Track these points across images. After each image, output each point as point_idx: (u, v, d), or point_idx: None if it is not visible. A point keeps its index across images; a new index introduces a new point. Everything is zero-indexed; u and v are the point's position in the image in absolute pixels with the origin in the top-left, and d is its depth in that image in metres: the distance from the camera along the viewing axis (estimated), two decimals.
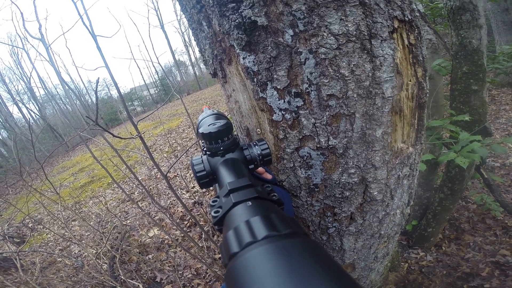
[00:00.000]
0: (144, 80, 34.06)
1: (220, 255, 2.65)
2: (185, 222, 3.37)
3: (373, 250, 0.84)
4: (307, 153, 0.63)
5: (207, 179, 0.53)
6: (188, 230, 3.23)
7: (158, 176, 5.06)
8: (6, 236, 2.41)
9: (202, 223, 3.06)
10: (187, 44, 30.94)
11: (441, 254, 2.10)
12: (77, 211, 2.83)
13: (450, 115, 1.74)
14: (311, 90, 0.56)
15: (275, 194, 0.40)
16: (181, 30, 29.82)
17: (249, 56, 0.59)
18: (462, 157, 1.28)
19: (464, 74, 1.76)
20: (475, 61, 1.71)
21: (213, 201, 0.40)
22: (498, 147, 1.44)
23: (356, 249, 0.81)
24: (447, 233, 2.26)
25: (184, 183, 4.22)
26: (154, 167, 5.38)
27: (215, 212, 0.37)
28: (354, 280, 0.20)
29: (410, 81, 0.61)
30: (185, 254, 2.81)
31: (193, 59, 31.86)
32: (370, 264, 0.91)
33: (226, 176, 0.48)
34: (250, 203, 0.34)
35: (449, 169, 1.89)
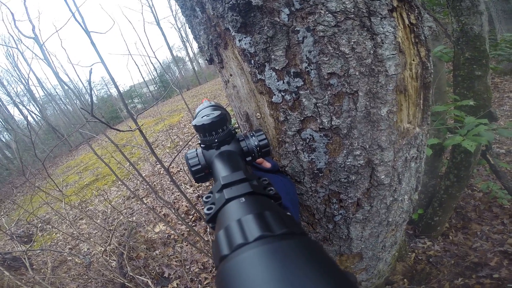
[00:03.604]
0: (143, 78, 34.04)
1: None
2: (190, 217, 3.38)
3: (381, 238, 0.83)
4: (310, 135, 0.61)
5: (203, 173, 0.52)
6: (193, 224, 3.24)
7: (161, 172, 5.07)
8: (14, 236, 2.43)
9: None
10: (184, 39, 30.80)
11: (449, 244, 2.09)
12: (83, 210, 2.85)
13: (454, 101, 1.71)
14: (311, 69, 0.54)
15: (271, 188, 0.38)
16: (177, 26, 29.64)
17: (245, 38, 0.57)
18: (468, 140, 1.25)
19: (467, 60, 1.74)
20: (477, 47, 1.70)
21: (207, 197, 0.38)
22: (505, 131, 1.41)
23: (364, 237, 0.79)
24: (453, 222, 2.24)
25: (187, 178, 4.23)
26: (157, 163, 5.39)
27: (208, 209, 0.35)
28: (356, 286, 0.19)
29: (413, 60, 0.58)
30: (192, 248, 2.83)
31: (191, 54, 31.74)
32: (378, 254, 0.89)
33: (221, 170, 0.46)
34: (243, 199, 0.32)
35: (455, 155, 1.86)
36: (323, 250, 0.22)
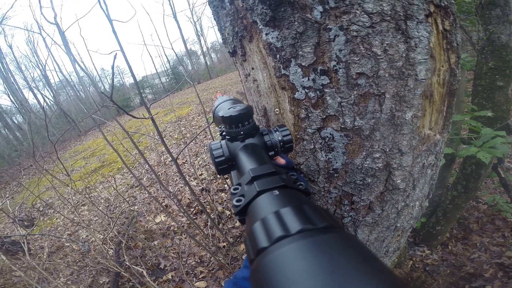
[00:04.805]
0: (156, 69, 34.25)
1: (224, 244, 2.66)
2: (192, 209, 3.40)
3: (385, 243, 0.82)
4: (330, 134, 0.61)
5: (226, 165, 0.51)
6: (194, 217, 3.25)
7: (167, 163, 5.10)
8: (16, 219, 2.45)
9: (208, 210, 3.08)
10: (199, 33, 30.92)
11: (447, 253, 2.09)
12: (87, 196, 2.87)
13: (471, 111, 1.69)
14: (339, 68, 0.54)
15: (301, 183, 0.37)
16: (193, 20, 29.77)
17: (272, 32, 0.56)
18: (484, 152, 1.23)
19: (490, 70, 1.71)
20: (502, 56, 1.67)
21: (234, 189, 0.37)
22: None
23: (369, 241, 0.78)
24: (454, 232, 2.24)
25: (192, 170, 4.25)
26: (164, 152, 5.43)
27: (237, 201, 0.34)
28: (401, 280, 0.18)
29: (442, 66, 0.58)
30: (190, 241, 2.84)
31: (204, 49, 31.84)
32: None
33: (247, 163, 0.45)
34: (277, 192, 0.31)
35: (465, 166, 1.84)
36: (364, 244, 0.21)
